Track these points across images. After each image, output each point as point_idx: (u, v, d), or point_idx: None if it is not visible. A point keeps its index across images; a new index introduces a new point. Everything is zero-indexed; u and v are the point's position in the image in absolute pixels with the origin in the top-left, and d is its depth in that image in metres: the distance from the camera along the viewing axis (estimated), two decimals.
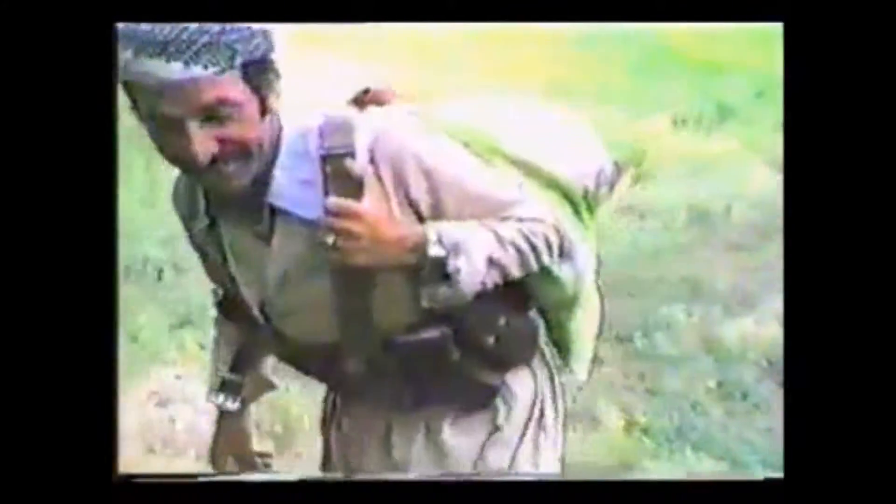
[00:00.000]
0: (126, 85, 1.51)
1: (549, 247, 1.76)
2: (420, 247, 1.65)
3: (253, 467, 1.88)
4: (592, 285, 1.95)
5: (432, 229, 1.67)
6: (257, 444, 1.96)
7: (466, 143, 1.79)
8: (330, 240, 1.60)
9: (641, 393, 3.96)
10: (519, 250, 1.72)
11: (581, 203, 1.88)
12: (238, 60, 1.54)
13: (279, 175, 1.65)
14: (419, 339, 1.75)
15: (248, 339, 1.93)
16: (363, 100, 1.87)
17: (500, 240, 1.71)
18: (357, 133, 1.67)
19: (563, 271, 1.83)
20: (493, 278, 1.71)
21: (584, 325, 1.96)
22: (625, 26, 6.12)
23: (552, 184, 1.84)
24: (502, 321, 1.79)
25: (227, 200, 1.68)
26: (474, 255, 1.67)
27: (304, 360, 1.87)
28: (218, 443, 1.97)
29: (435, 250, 1.65)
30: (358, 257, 1.63)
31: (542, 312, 1.92)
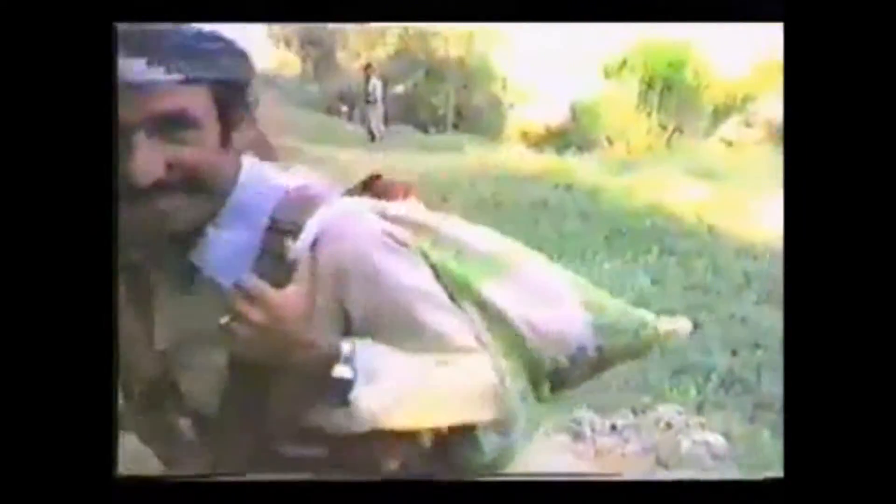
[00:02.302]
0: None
1: (483, 411, 1.54)
2: (326, 361, 1.44)
3: None
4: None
5: (349, 345, 1.45)
6: None
7: (438, 268, 1.58)
8: (223, 320, 1.41)
9: None
10: (443, 403, 1.51)
11: (543, 381, 1.70)
12: (212, 74, 1.39)
13: (212, 232, 1.47)
14: (292, 456, 1.53)
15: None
16: (370, 186, 1.68)
17: (424, 383, 1.49)
18: (313, 213, 1.49)
19: (487, 438, 1.59)
20: (402, 420, 1.48)
21: None
22: None
23: (517, 346, 1.63)
24: (393, 465, 1.54)
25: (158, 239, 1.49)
26: (387, 391, 1.45)
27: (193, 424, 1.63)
28: None
29: (339, 371, 1.43)
30: (249, 350, 1.43)
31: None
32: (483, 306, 1.61)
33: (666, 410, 4.62)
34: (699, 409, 4.74)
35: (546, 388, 1.71)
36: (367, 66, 20.73)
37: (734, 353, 5.59)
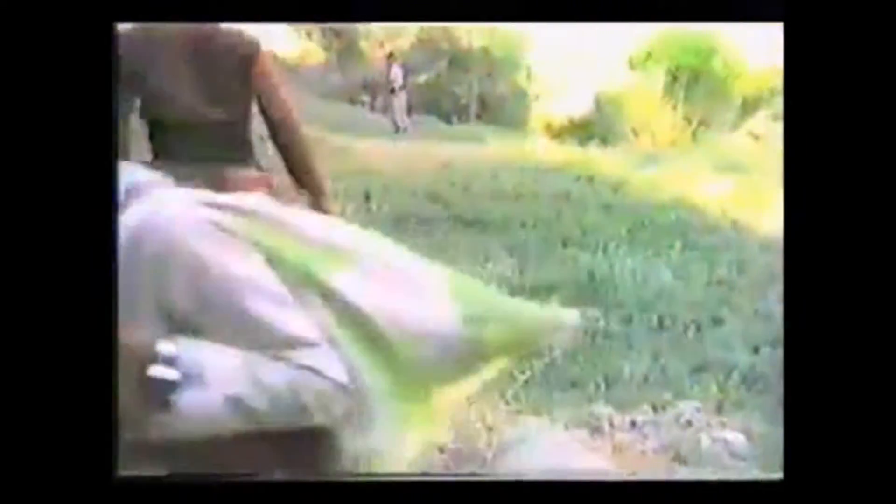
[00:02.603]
0: None
1: (326, 409, 1.43)
2: (142, 362, 1.37)
3: None
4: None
5: (169, 344, 1.38)
6: None
7: (275, 257, 1.48)
8: None
9: None
10: (278, 402, 1.40)
11: (410, 377, 1.55)
12: None
13: None
14: (138, 475, 1.42)
15: None
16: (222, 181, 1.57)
17: (256, 382, 1.39)
18: (132, 207, 1.43)
19: (339, 439, 1.52)
20: (238, 423, 1.40)
21: None
22: None
23: (375, 340, 1.51)
24: (239, 471, 1.46)
25: None
26: (212, 390, 1.37)
27: None
28: None
29: (157, 371, 1.37)
30: None
31: None
32: (330, 297, 1.49)
33: (686, 407, 4.59)
34: (720, 406, 4.70)
35: (415, 385, 1.56)
36: (390, 56, 20.70)
37: (756, 350, 5.54)
